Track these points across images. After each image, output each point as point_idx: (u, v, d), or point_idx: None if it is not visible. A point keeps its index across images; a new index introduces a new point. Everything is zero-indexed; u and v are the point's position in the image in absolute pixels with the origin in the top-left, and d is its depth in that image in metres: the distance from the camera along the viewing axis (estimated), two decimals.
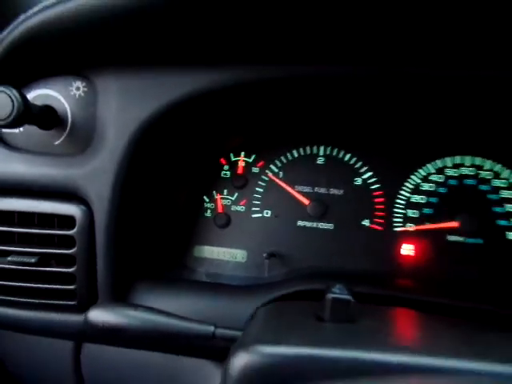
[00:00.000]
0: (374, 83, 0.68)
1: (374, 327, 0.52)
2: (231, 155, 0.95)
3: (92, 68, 0.72)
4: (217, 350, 0.57)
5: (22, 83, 0.74)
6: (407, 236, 0.86)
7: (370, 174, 0.89)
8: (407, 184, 0.88)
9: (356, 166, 0.90)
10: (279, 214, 0.91)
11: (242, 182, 0.93)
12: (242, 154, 0.95)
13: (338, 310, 0.51)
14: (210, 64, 0.67)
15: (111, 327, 0.57)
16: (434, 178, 0.87)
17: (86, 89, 0.73)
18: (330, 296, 0.52)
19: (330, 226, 0.89)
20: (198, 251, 0.93)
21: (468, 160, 0.86)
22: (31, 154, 0.75)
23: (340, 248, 0.88)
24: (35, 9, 0.63)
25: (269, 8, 0.54)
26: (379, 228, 0.88)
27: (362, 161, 0.89)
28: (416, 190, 0.87)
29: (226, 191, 0.94)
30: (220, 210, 0.94)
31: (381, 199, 0.88)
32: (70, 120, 0.74)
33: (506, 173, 0.85)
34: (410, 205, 0.87)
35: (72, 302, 0.73)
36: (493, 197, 0.84)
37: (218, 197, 0.94)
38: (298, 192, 0.91)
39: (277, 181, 0.92)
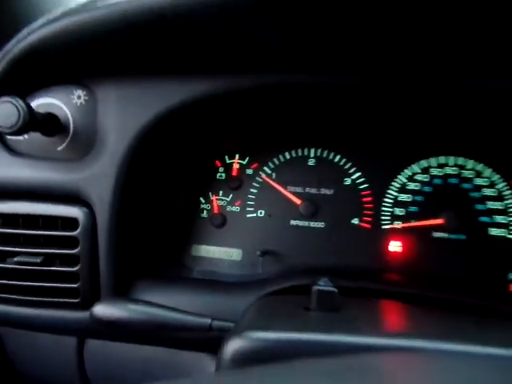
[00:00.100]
0: (369, 91, 0.70)
1: (358, 315, 0.55)
2: (226, 158, 0.98)
3: (92, 77, 0.74)
4: (214, 342, 0.61)
5: (26, 92, 0.77)
6: (395, 233, 0.90)
7: (358, 174, 0.92)
8: (394, 183, 0.91)
9: (345, 167, 0.93)
10: (273, 214, 0.95)
11: (236, 184, 0.96)
12: (237, 156, 0.98)
13: (324, 300, 0.54)
14: (207, 72, 0.69)
15: (115, 320, 0.61)
16: (419, 177, 0.91)
17: (86, 97, 0.76)
18: (316, 288, 0.55)
19: (321, 224, 0.92)
20: (195, 250, 0.96)
21: (452, 160, 0.90)
22: (35, 159, 0.77)
23: (331, 246, 0.91)
24: (39, 22, 0.66)
25: (264, 20, 0.56)
26: (368, 226, 0.91)
27: (351, 162, 0.93)
28: (403, 189, 0.91)
29: (221, 192, 0.97)
30: (216, 210, 0.97)
31: (369, 198, 0.92)
32: (71, 127, 0.77)
33: (487, 172, 0.88)
34: (397, 203, 0.91)
35: (76, 300, 0.76)
36: (475, 195, 0.88)
37: (213, 198, 0.97)
38: (291, 192, 0.94)
39: (270, 182, 0.95)
